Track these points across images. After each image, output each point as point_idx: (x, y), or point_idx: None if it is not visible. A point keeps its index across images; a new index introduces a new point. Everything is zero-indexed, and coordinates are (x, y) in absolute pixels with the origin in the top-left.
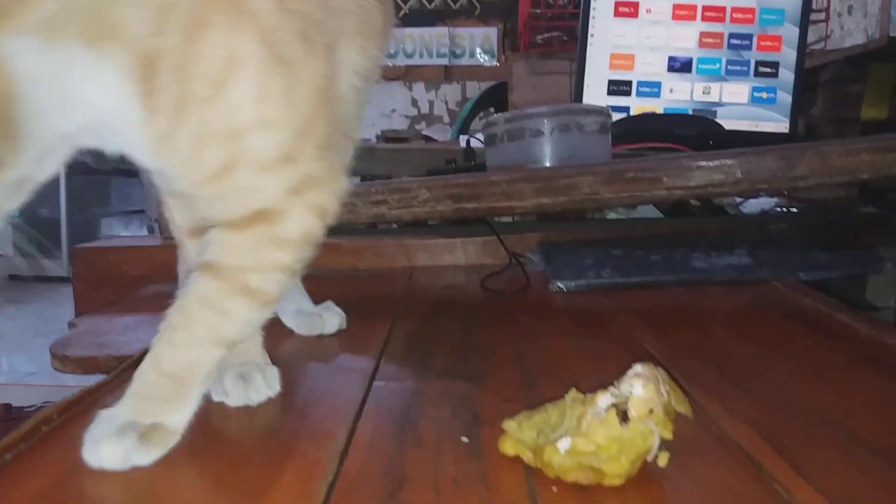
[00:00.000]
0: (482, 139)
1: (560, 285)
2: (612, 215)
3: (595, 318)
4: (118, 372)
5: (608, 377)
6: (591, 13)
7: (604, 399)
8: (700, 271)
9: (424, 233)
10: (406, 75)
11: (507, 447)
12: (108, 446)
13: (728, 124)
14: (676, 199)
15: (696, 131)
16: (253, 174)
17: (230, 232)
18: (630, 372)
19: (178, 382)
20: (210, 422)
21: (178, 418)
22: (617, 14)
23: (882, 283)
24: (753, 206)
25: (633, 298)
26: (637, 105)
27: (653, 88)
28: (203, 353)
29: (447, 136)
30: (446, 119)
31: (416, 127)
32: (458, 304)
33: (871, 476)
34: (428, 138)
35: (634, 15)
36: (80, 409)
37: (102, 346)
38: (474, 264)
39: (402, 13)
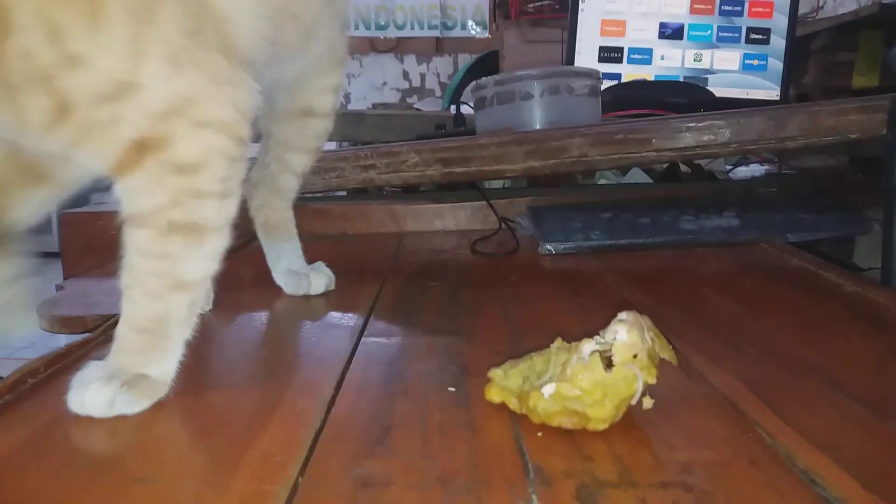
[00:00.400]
0: (472, 106)
1: (549, 248)
2: (602, 181)
3: (583, 278)
4: (105, 328)
5: (593, 330)
6: None
7: (588, 346)
8: (689, 233)
9: (414, 198)
10: (397, 48)
11: (493, 395)
12: (93, 391)
13: (719, 92)
14: (666, 161)
15: (688, 98)
16: (95, 109)
17: (127, 174)
18: (615, 319)
19: (152, 335)
20: (197, 374)
21: (164, 369)
22: None
23: (869, 244)
24: (743, 173)
25: (621, 260)
26: (628, 72)
27: (644, 55)
28: (165, 302)
29: (438, 108)
30: (438, 92)
31: (408, 100)
32: (448, 266)
33: (853, 421)
34: (418, 111)
35: None
36: (67, 363)
37: (90, 305)
38: (464, 229)
39: None
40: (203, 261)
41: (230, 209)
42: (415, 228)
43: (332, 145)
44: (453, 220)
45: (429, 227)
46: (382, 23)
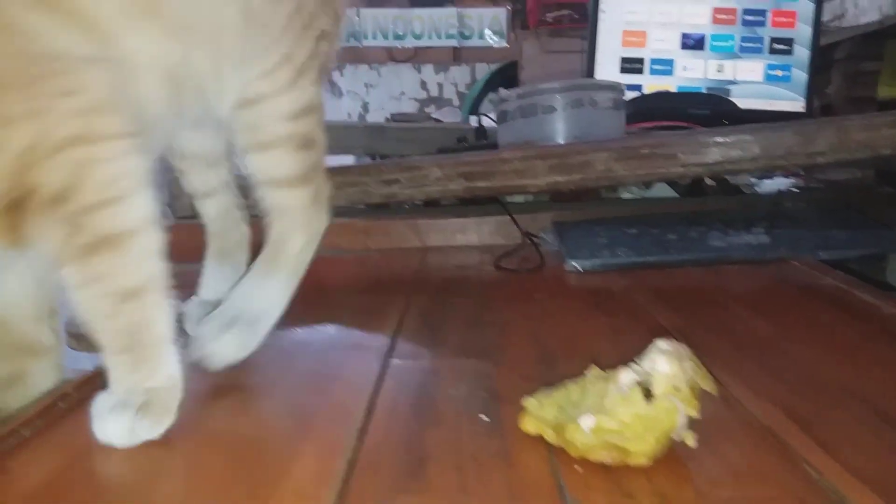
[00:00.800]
0: (494, 118)
1: (575, 265)
2: (626, 195)
3: (611, 296)
4: None
5: (627, 354)
6: None
7: (626, 375)
8: (717, 250)
9: (437, 212)
10: (415, 57)
11: (529, 425)
12: (111, 423)
13: (742, 103)
14: (693, 177)
15: (711, 110)
16: None
17: (24, 232)
18: (652, 347)
19: (133, 350)
20: (224, 399)
21: (165, 374)
22: None
23: None
24: (769, 186)
25: (649, 277)
26: (650, 83)
27: (665, 66)
28: (123, 316)
29: (457, 118)
30: (456, 102)
31: (426, 110)
32: (472, 283)
33: None
34: (437, 121)
35: None
36: (97, 386)
37: None
38: (487, 244)
39: None
40: (135, 265)
41: (139, 207)
42: (437, 243)
43: (349, 159)
44: (476, 235)
45: (451, 241)
46: (400, 33)
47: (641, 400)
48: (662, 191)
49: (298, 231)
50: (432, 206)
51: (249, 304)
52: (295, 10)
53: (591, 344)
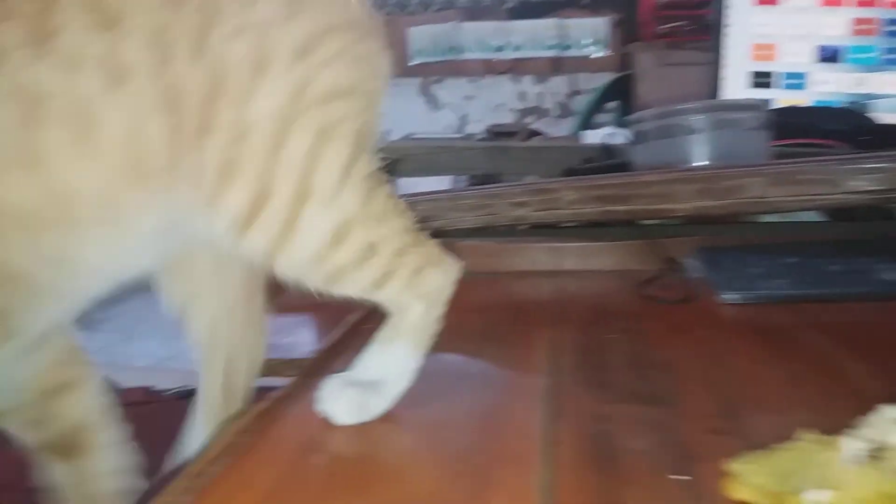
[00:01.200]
0: (611, 133)
1: (731, 296)
2: (766, 218)
3: (779, 335)
4: (299, 380)
5: (822, 409)
6: (726, 2)
7: (853, 445)
8: (890, 285)
9: (568, 235)
10: (514, 68)
11: (740, 492)
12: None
13: (888, 118)
14: (854, 205)
15: (847, 125)
16: None
17: None
18: (880, 415)
19: None
20: (397, 437)
21: None
22: (757, 2)
23: None
24: None
25: (814, 313)
26: (782, 98)
27: (798, 80)
28: None
29: (557, 129)
30: (555, 112)
31: (525, 121)
32: (619, 313)
33: None
34: (535, 132)
35: (775, 2)
36: (276, 416)
37: (269, 348)
38: (623, 269)
39: (508, 6)
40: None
41: None
42: (571, 267)
43: (445, 181)
44: (611, 259)
45: (584, 265)
46: (500, 45)
47: (880, 474)
48: (805, 213)
49: (414, 302)
50: (555, 228)
51: (370, 370)
52: (236, 136)
53: (774, 393)
